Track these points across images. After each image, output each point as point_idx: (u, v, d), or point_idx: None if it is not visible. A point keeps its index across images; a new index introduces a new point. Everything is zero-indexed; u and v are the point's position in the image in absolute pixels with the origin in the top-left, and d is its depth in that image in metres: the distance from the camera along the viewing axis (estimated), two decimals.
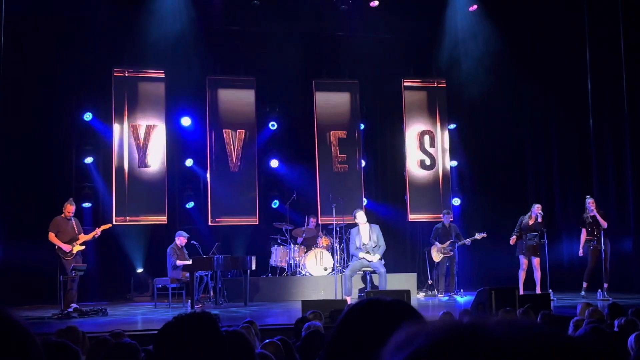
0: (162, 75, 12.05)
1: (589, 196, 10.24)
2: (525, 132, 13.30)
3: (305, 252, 11.48)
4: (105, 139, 11.92)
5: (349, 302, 8.33)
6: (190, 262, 9.97)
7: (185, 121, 12.39)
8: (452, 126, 13.34)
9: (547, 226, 10.49)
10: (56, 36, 11.14)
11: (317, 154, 12.73)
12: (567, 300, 9.74)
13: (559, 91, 12.51)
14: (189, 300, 9.83)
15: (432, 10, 12.55)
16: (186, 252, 10.51)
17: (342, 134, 12.92)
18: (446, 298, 10.81)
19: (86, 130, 11.97)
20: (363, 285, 10.77)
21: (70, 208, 9.38)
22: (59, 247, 9.19)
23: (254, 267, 10.44)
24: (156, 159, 11.87)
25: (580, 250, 10.20)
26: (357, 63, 12.85)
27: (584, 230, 10.13)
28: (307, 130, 12.96)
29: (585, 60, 11.46)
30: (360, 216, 10.06)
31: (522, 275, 10.23)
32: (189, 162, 12.46)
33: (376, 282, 10.10)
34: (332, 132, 12.88)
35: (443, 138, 13.15)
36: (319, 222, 12.19)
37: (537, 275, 10.20)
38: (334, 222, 11.11)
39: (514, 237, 10.35)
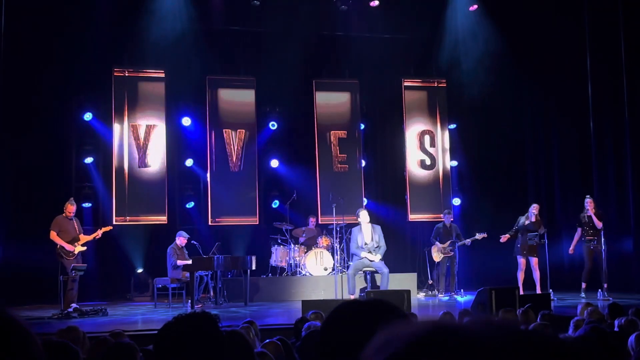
0: (162, 75, 12.05)
1: (588, 196, 10.26)
2: (526, 132, 13.31)
3: (306, 252, 11.48)
4: (105, 139, 11.92)
5: None
6: (190, 262, 9.97)
7: (186, 121, 12.39)
8: (453, 126, 13.34)
9: (547, 226, 10.49)
10: (56, 36, 11.14)
11: (317, 153, 12.74)
12: (567, 300, 9.75)
13: (559, 91, 12.50)
14: (189, 300, 9.82)
15: (432, 10, 12.56)
16: (186, 252, 10.50)
17: (342, 133, 12.92)
18: (446, 298, 10.81)
19: (86, 130, 11.97)
20: (364, 285, 10.76)
21: (70, 208, 9.35)
22: (61, 246, 9.15)
23: (254, 267, 10.44)
24: (156, 159, 11.87)
25: (571, 249, 10.32)
26: (357, 63, 12.84)
27: (579, 230, 10.21)
28: (307, 130, 12.96)
29: (586, 60, 11.47)
30: (364, 215, 10.07)
31: (520, 276, 10.24)
32: (189, 162, 12.46)
33: (378, 282, 10.10)
34: (332, 132, 12.88)
35: (443, 138, 13.16)
36: (319, 222, 12.19)
37: (536, 275, 10.21)
38: (334, 222, 11.12)
39: (507, 235, 10.37)
